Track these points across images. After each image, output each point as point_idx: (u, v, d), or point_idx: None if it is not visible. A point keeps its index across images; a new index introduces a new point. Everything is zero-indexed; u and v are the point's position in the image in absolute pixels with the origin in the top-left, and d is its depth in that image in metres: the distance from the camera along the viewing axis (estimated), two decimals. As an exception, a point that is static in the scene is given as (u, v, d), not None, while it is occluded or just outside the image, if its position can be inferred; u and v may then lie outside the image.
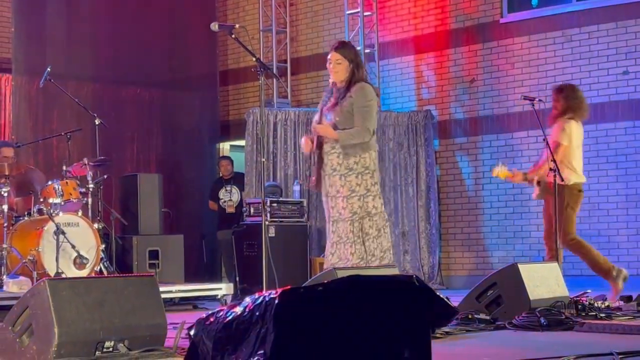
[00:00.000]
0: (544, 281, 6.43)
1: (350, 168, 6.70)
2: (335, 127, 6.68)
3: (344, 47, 6.80)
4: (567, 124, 8.00)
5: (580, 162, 8.11)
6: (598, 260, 7.95)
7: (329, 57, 6.80)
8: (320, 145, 6.75)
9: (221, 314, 3.12)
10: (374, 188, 6.75)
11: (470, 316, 6.00)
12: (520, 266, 6.30)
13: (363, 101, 6.66)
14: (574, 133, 8.02)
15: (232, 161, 12.34)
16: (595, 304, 6.42)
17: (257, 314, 2.93)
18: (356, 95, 6.68)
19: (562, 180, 7.76)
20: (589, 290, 6.88)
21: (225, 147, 14.03)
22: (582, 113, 8.19)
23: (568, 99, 8.12)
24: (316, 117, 6.90)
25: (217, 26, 6.18)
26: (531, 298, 6.13)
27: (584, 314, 6.19)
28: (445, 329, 5.51)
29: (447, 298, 3.73)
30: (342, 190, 6.67)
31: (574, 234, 8.00)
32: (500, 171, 8.20)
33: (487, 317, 6.03)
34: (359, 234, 6.66)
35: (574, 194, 8.01)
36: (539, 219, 11.23)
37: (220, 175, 12.30)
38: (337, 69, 6.75)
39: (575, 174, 8.03)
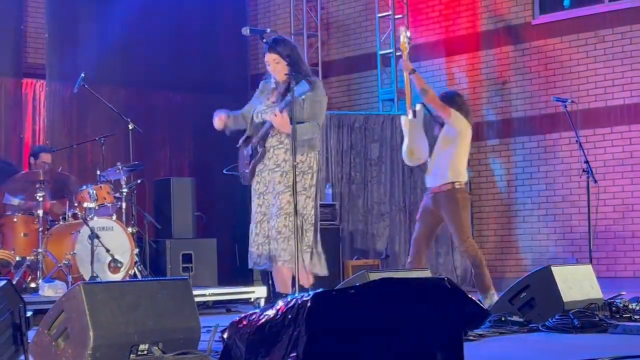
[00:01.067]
0: (577, 283, 6.41)
1: (277, 164, 6.42)
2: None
3: (277, 45, 6.37)
4: None
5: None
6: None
7: (265, 58, 6.44)
8: (264, 137, 6.40)
9: (254, 317, 3.15)
10: (311, 189, 6.48)
11: (503, 318, 6.00)
12: (553, 268, 6.29)
13: (315, 95, 6.32)
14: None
15: None
16: (630, 306, 6.39)
17: (290, 316, 2.95)
18: (310, 91, 6.30)
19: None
20: (623, 292, 6.85)
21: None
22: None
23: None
24: (260, 108, 6.48)
25: (248, 30, 6.19)
26: (564, 300, 6.11)
27: (618, 316, 6.17)
28: (479, 331, 5.51)
29: (479, 300, 3.73)
30: (278, 187, 6.37)
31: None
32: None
33: (521, 320, 6.01)
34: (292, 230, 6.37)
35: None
36: (573, 220, 11.20)
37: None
38: (277, 69, 6.36)
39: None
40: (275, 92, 6.46)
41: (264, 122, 6.36)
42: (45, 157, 9.98)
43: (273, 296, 9.60)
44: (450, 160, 7.78)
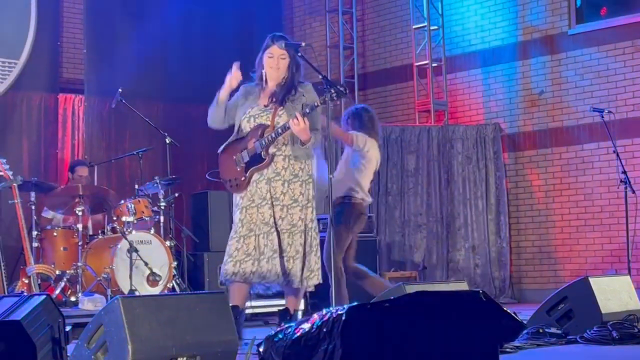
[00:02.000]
0: (616, 294, 6.37)
1: (296, 174, 6.21)
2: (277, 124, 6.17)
3: (287, 42, 6.20)
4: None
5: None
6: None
7: (270, 50, 6.21)
8: (270, 143, 6.14)
9: (289, 330, 3.17)
10: (313, 200, 6.27)
11: (541, 330, 5.97)
12: (591, 279, 6.25)
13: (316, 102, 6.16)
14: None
15: None
16: (669, 317, 6.33)
17: (325, 330, 2.97)
18: (309, 95, 6.22)
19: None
20: (662, 304, 6.78)
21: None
22: None
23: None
24: (253, 112, 6.22)
25: (283, 44, 6.19)
26: (603, 311, 6.07)
27: (656, 328, 6.11)
28: (516, 343, 5.48)
29: (514, 313, 3.73)
30: (283, 199, 6.12)
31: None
32: None
33: (558, 331, 5.98)
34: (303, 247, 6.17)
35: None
36: (612, 231, 11.12)
37: None
38: (281, 65, 6.19)
39: None
40: (264, 94, 6.26)
41: (259, 127, 6.15)
42: (82, 171, 10.09)
43: (311, 309, 9.62)
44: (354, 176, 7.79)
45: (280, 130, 6.07)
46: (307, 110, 6.03)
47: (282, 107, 6.17)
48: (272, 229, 6.08)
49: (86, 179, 10.06)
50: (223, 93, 6.28)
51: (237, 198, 6.23)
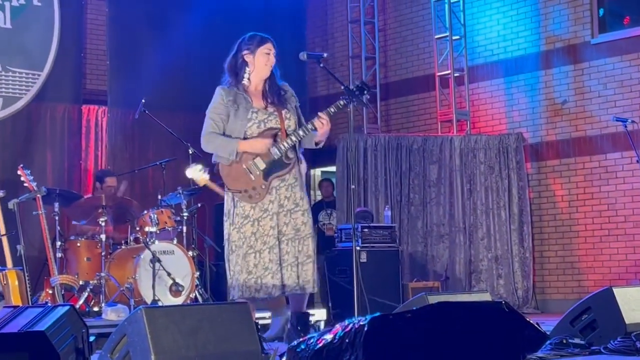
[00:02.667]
0: (640, 305, 6.32)
1: (296, 178, 6.07)
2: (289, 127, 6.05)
3: (309, 53, 6.19)
4: None
5: None
6: None
7: (267, 46, 6.13)
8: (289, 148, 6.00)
9: (312, 341, 3.17)
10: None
11: (564, 341, 5.93)
12: (615, 290, 6.21)
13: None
14: None
15: (332, 184, 12.41)
16: (694, 328, 6.29)
17: (347, 341, 2.97)
18: (291, 92, 6.17)
19: None
20: (687, 314, 6.72)
21: (316, 173, 14.12)
22: None
23: None
24: (261, 117, 6.00)
25: (305, 55, 6.16)
26: (627, 322, 6.03)
27: (682, 339, 6.06)
28: (539, 354, 5.45)
29: (537, 323, 3.71)
30: (287, 203, 5.98)
31: None
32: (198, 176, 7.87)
33: (582, 342, 5.94)
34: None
35: None
36: (635, 240, 11.06)
37: (321, 197, 12.36)
38: (271, 62, 6.11)
39: None
40: (252, 96, 6.06)
41: (269, 131, 5.97)
42: (111, 181, 10.14)
43: (333, 319, 9.61)
44: None
45: (302, 133, 5.96)
46: (333, 110, 5.98)
47: (285, 109, 6.05)
48: (280, 238, 5.97)
49: (115, 189, 10.12)
50: (243, 148, 5.96)
51: (242, 209, 5.94)
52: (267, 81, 6.11)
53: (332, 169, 12.35)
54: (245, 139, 5.95)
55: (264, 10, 12.88)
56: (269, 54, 6.09)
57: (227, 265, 5.99)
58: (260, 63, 6.10)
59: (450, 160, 11.99)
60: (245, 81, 6.08)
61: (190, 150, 9.94)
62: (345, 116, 6.30)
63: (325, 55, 6.22)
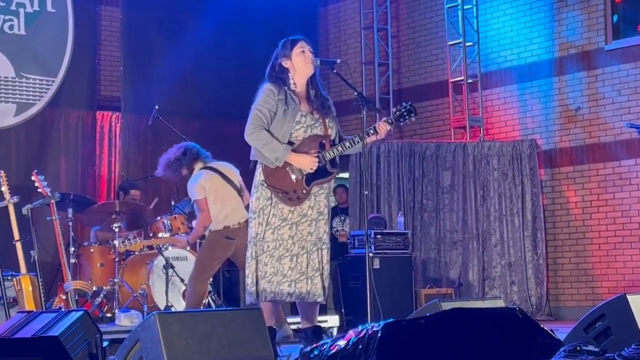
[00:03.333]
0: (654, 312, 6.29)
1: (329, 187, 6.05)
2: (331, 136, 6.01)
3: (322, 59, 6.07)
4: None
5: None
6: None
7: (300, 44, 6.02)
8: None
9: (325, 347, 3.16)
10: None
11: (578, 348, 5.91)
12: (629, 297, 6.18)
13: None
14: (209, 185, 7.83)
15: (347, 190, 12.41)
16: None
17: (360, 347, 2.96)
18: (332, 103, 6.11)
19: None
20: (701, 321, 6.69)
21: (329, 179, 14.12)
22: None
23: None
24: (309, 122, 5.91)
25: (319, 62, 6.10)
26: (641, 329, 6.01)
27: (696, 346, 6.04)
28: (553, 361, 5.44)
29: (551, 330, 3.70)
30: (312, 213, 5.90)
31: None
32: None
33: (596, 349, 5.92)
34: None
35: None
36: (649, 248, 11.03)
37: (336, 204, 12.35)
38: (309, 59, 5.98)
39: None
40: (300, 99, 5.98)
41: (316, 138, 5.90)
42: (135, 194, 10.18)
43: (346, 325, 9.60)
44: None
45: (348, 144, 5.90)
46: (392, 120, 5.96)
47: (328, 118, 6.00)
48: (325, 245, 5.93)
49: (138, 201, 10.14)
50: (292, 159, 5.85)
51: (280, 211, 5.85)
52: (311, 86, 6.05)
53: (345, 175, 12.34)
54: (290, 142, 5.87)
55: (276, 17, 12.91)
56: (303, 51, 5.99)
57: (252, 265, 5.85)
58: (299, 63, 6.00)
59: (463, 167, 11.97)
60: (292, 87, 6.00)
61: (203, 157, 9.95)
62: (359, 122, 6.29)
63: (339, 61, 6.16)
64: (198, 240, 9.33)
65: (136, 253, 9.17)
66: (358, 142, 5.90)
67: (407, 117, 6.03)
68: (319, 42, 13.86)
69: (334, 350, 3.10)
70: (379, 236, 10.48)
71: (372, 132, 5.92)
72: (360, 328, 3.06)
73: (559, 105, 11.92)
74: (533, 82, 12.15)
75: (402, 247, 10.65)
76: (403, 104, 6.09)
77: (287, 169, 5.85)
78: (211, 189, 7.79)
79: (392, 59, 13.53)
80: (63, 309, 6.75)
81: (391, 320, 3.03)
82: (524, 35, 12.30)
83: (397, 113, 6.02)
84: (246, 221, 7.28)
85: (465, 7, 12.59)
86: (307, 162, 5.83)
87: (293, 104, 5.89)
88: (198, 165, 8.03)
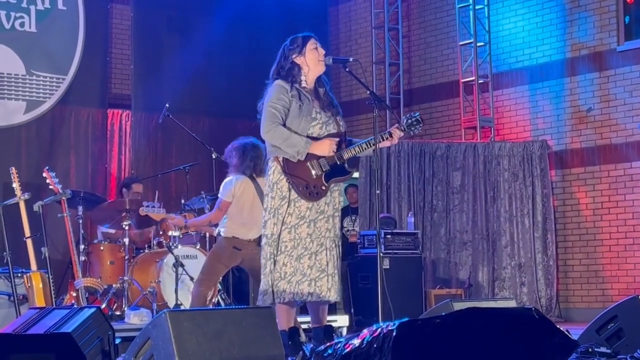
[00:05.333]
0: (666, 314, 6.26)
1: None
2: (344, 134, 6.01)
3: (334, 57, 6.06)
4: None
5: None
6: None
7: (314, 41, 5.98)
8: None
9: (339, 346, 3.15)
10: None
11: (590, 350, 5.89)
12: (641, 299, 6.16)
13: None
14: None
15: (358, 189, 12.38)
16: None
17: (375, 346, 2.94)
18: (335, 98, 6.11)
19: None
20: None
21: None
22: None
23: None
24: (323, 119, 5.90)
25: (331, 60, 6.06)
26: (654, 331, 5.98)
27: None
28: (565, 362, 5.41)
29: (567, 331, 3.68)
30: (328, 209, 5.87)
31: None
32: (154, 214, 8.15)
33: (608, 351, 5.90)
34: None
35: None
36: (660, 250, 10.99)
37: (347, 203, 12.32)
38: (322, 55, 5.98)
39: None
40: (311, 95, 5.95)
41: (335, 136, 5.87)
42: (137, 188, 10.18)
43: (356, 325, 9.58)
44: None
45: (365, 146, 5.88)
46: (404, 128, 5.98)
47: (338, 116, 5.99)
48: (337, 242, 5.89)
49: (140, 196, 10.14)
50: (313, 149, 5.79)
51: (298, 209, 5.79)
52: (319, 84, 6.03)
53: (355, 174, 12.31)
54: (311, 138, 5.82)
55: (286, 16, 12.89)
56: (316, 48, 5.97)
57: (269, 266, 5.82)
58: (312, 60, 5.96)
59: (473, 167, 11.94)
60: (303, 83, 5.96)
61: (213, 155, 9.96)
62: (369, 122, 6.27)
63: (352, 59, 6.14)
64: (207, 237, 9.34)
65: (145, 251, 9.17)
66: (387, 137, 5.91)
67: (415, 126, 6.05)
68: (329, 41, 13.84)
69: (348, 349, 3.08)
70: (389, 236, 10.46)
71: (387, 136, 5.93)
72: (375, 327, 3.04)
73: (570, 106, 11.88)
74: (544, 83, 12.12)
75: (412, 247, 10.62)
76: (411, 114, 6.12)
77: (308, 164, 5.80)
78: (241, 197, 7.78)
79: (402, 59, 13.51)
80: (76, 306, 6.75)
81: (406, 319, 3.00)
82: (535, 35, 12.27)
83: (407, 121, 6.05)
84: (257, 239, 7.42)
85: (476, 7, 12.56)
86: (327, 146, 5.81)
87: (307, 101, 5.87)
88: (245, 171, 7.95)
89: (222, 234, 7.80)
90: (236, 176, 7.81)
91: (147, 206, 7.97)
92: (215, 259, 7.81)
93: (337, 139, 5.88)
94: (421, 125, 6.10)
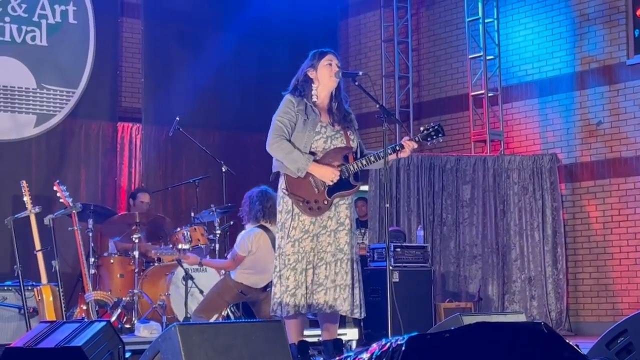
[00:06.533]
0: (677, 328, 6.24)
1: (352, 198, 6.04)
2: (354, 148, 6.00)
3: (344, 71, 6.11)
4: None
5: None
6: None
7: (328, 57, 6.03)
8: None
9: (348, 359, 3.15)
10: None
11: (600, 364, 5.87)
12: (651, 313, 6.14)
13: None
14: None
15: (367, 202, 12.39)
16: None
17: (384, 360, 2.95)
18: (354, 117, 6.14)
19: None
20: None
21: (348, 192, 14.09)
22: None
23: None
24: (329, 132, 5.93)
25: (340, 74, 6.12)
26: (664, 345, 5.96)
27: None
28: (575, 376, 5.39)
29: (576, 345, 3.67)
30: (331, 224, 5.89)
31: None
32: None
33: (618, 365, 5.88)
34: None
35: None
36: (671, 263, 10.96)
37: (357, 216, 12.31)
38: (335, 72, 6.00)
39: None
40: (320, 110, 5.98)
41: (341, 150, 5.92)
42: (144, 197, 10.21)
43: (365, 338, 9.56)
44: None
45: (373, 159, 5.91)
46: (419, 139, 6.00)
47: (350, 130, 6.02)
48: (346, 255, 5.88)
49: (147, 205, 10.16)
50: (312, 170, 5.84)
51: (302, 223, 5.83)
52: (334, 99, 6.05)
53: (365, 187, 12.32)
54: (312, 152, 5.87)
55: (296, 30, 12.92)
56: (330, 64, 6.00)
57: (276, 279, 5.85)
58: (324, 76, 6.01)
59: (483, 181, 11.93)
60: (314, 98, 6.00)
61: (223, 168, 10.00)
62: (379, 135, 6.27)
63: (361, 73, 6.17)
64: (217, 249, 9.36)
65: (156, 264, 9.19)
66: (399, 149, 5.91)
67: (434, 137, 6.04)
68: (339, 55, 13.84)
69: (357, 364, 3.09)
70: (398, 249, 10.45)
71: (398, 147, 5.93)
72: (384, 341, 3.04)
73: (580, 119, 11.88)
74: (554, 96, 12.11)
75: (422, 260, 10.61)
76: (432, 123, 6.11)
77: (310, 179, 5.85)
78: (257, 252, 7.85)
79: (412, 72, 13.53)
80: (86, 319, 6.76)
81: (415, 333, 3.01)
82: (545, 49, 12.27)
83: (425, 132, 6.04)
84: (266, 286, 7.65)
85: (486, 20, 12.58)
86: (329, 174, 5.83)
87: (313, 115, 5.91)
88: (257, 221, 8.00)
89: (232, 276, 7.89)
90: (252, 229, 7.90)
91: (159, 250, 8.12)
92: (219, 295, 7.95)
93: (340, 162, 5.88)
94: (441, 134, 6.04)
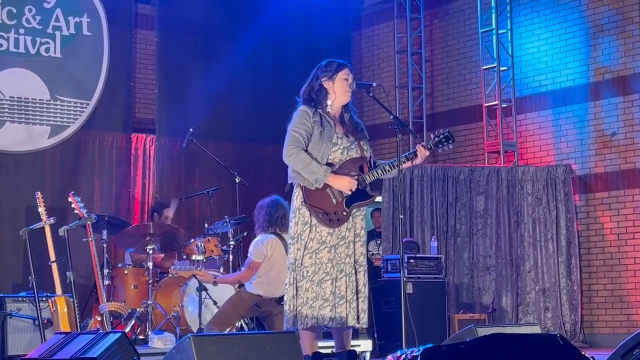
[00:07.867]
0: (693, 340, 6.21)
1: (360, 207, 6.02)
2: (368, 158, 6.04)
3: (358, 82, 6.10)
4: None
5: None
6: None
7: (345, 71, 6.03)
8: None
9: (363, 371, 3.14)
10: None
11: (616, 376, 5.84)
12: (667, 324, 6.13)
13: None
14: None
15: None
16: None
17: (400, 372, 2.94)
18: (364, 127, 6.14)
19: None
20: None
21: (362, 203, 14.09)
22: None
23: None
24: (345, 144, 5.96)
25: (354, 85, 6.13)
26: (680, 357, 5.93)
27: None
28: (590, 388, 5.37)
29: (592, 357, 3.65)
30: (349, 235, 5.92)
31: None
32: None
33: (634, 377, 5.85)
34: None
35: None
36: (686, 275, 10.91)
37: (373, 227, 12.30)
38: (350, 88, 6.02)
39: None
40: (335, 121, 5.98)
41: (357, 161, 5.94)
42: (167, 213, 10.26)
43: (379, 350, 9.55)
44: None
45: (388, 168, 5.92)
46: (430, 146, 5.98)
47: (362, 141, 6.03)
48: (362, 267, 5.91)
49: (170, 221, 10.21)
50: (332, 181, 5.84)
51: (319, 234, 5.83)
52: (346, 111, 6.08)
53: (379, 198, 12.31)
54: (328, 164, 5.87)
55: (310, 41, 12.94)
56: (347, 79, 6.00)
57: (291, 291, 5.85)
58: (340, 89, 6.02)
59: (497, 192, 11.91)
60: (328, 108, 6.01)
61: (237, 179, 10.01)
62: (392, 146, 6.28)
63: (375, 84, 6.18)
64: (231, 260, 9.36)
65: (169, 275, 9.19)
66: (412, 157, 5.93)
67: (445, 144, 6.04)
68: (352, 65, 13.85)
69: (372, 375, 3.08)
70: (412, 260, 10.44)
71: (411, 156, 5.93)
72: (398, 353, 3.03)
73: (594, 130, 11.85)
74: (568, 107, 12.09)
75: (435, 271, 10.59)
76: (441, 130, 6.11)
77: (327, 190, 5.86)
78: (271, 257, 7.88)
79: (425, 83, 13.52)
80: (101, 330, 6.77)
81: (430, 345, 3.00)
82: (558, 60, 12.25)
83: (436, 139, 6.04)
84: (279, 297, 7.64)
85: (499, 31, 12.57)
86: (347, 184, 5.84)
87: (328, 126, 5.93)
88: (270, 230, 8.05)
89: (247, 288, 7.91)
90: (266, 235, 7.93)
91: (177, 267, 8.15)
92: (234, 308, 7.97)
93: (357, 173, 5.90)
94: (452, 140, 6.05)
